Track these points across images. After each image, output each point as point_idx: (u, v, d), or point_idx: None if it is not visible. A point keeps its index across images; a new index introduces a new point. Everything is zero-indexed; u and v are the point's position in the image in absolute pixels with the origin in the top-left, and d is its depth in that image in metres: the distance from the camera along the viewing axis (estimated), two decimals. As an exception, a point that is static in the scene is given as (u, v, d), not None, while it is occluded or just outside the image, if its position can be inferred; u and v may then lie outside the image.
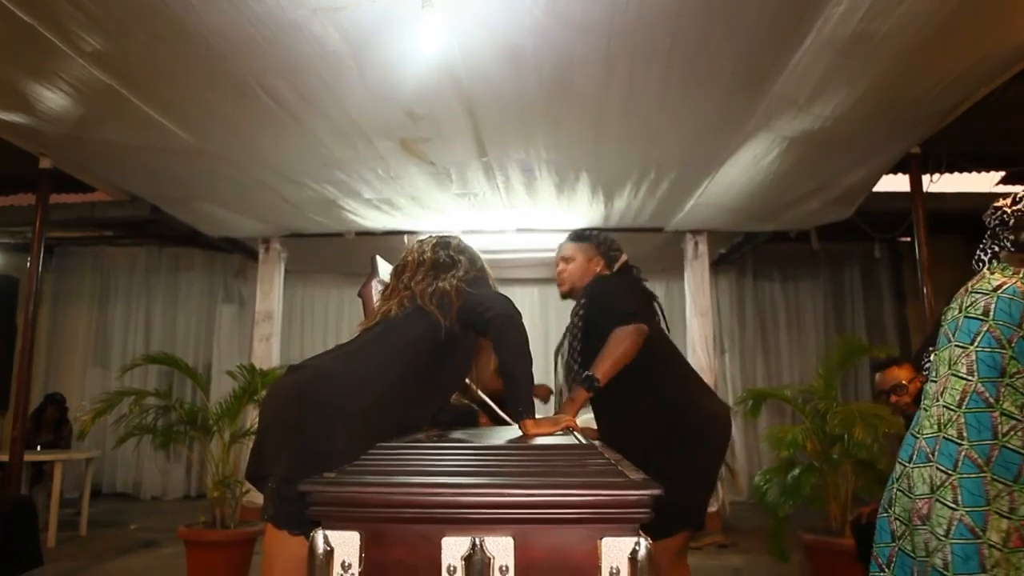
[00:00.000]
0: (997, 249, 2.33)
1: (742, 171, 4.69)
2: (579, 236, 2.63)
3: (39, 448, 5.91)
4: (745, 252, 7.51)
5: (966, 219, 3.06)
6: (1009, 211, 2.28)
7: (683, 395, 2.32)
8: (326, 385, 1.68)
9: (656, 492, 1.03)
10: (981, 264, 2.37)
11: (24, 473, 5.12)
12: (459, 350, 1.91)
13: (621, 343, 2.18)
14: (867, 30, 3.00)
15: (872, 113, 3.81)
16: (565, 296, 2.62)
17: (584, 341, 2.36)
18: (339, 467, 1.38)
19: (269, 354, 6.34)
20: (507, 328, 1.77)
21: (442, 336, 1.82)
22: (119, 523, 6.26)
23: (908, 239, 6.09)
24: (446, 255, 2.02)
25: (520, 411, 1.75)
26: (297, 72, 3.38)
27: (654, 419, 2.25)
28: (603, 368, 2.17)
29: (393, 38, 3.07)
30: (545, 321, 7.76)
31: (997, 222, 2.31)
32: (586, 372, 2.19)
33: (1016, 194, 2.31)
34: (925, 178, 4.97)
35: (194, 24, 2.95)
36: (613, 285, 2.43)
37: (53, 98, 3.61)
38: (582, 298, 2.44)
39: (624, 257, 2.59)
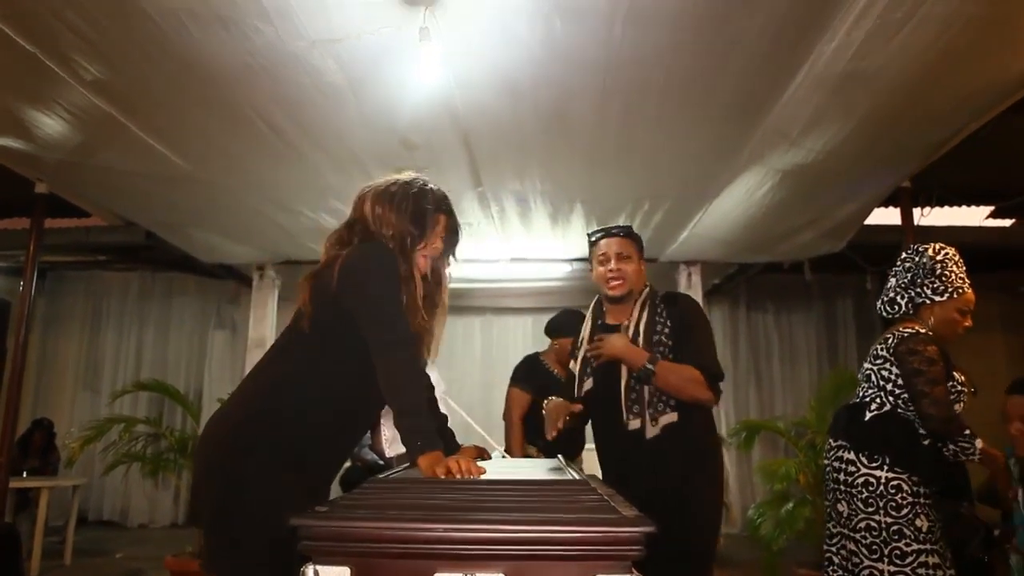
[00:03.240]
0: (913, 295, 2.33)
1: (735, 203, 4.73)
2: (633, 234, 2.31)
3: (25, 474, 5.82)
4: (738, 283, 7.54)
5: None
6: (936, 260, 2.29)
7: None
8: (219, 420, 1.56)
9: (649, 529, 1.02)
10: (895, 307, 2.36)
11: (9, 500, 5.04)
12: (336, 340, 1.55)
13: (695, 390, 2.08)
14: (858, 67, 3.05)
15: (864, 147, 3.86)
16: (619, 299, 2.24)
17: (673, 338, 2.13)
18: (265, 503, 1.35)
19: (261, 381, 6.26)
20: (397, 368, 1.51)
21: (307, 327, 1.55)
22: (105, 552, 6.15)
23: (900, 272, 6.13)
24: (361, 221, 1.69)
25: (419, 445, 1.46)
26: (295, 102, 3.41)
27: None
28: (668, 379, 2.05)
29: (391, 70, 3.10)
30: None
31: (925, 270, 2.31)
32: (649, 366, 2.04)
33: (936, 244, 2.33)
34: (916, 211, 5.02)
35: (194, 54, 2.98)
36: (709, 329, 2.27)
37: (51, 124, 3.63)
38: (674, 310, 2.20)
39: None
